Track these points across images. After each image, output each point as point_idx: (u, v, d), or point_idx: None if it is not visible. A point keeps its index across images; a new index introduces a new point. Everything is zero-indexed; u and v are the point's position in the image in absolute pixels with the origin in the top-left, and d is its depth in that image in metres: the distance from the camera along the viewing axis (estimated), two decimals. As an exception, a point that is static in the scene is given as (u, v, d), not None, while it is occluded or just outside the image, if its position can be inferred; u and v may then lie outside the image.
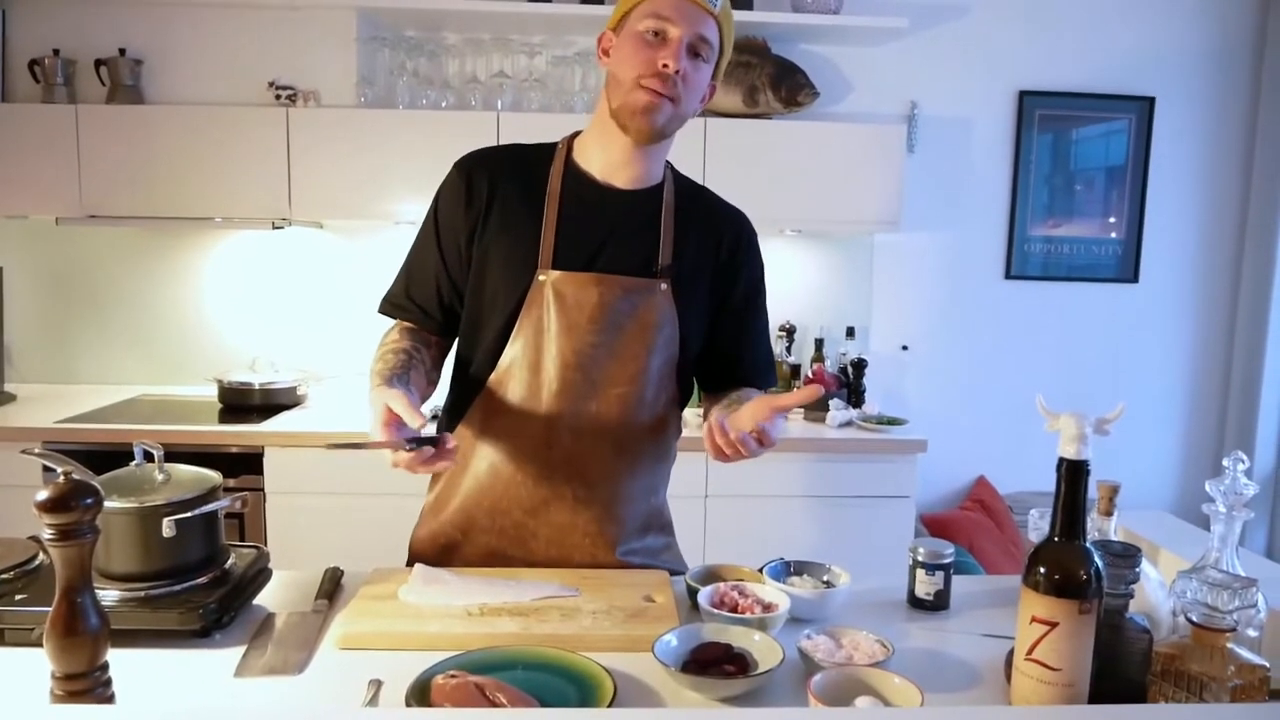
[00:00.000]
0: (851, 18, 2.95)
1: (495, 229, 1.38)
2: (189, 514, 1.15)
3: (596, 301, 1.34)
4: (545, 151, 1.43)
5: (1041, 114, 3.28)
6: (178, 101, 2.90)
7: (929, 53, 3.21)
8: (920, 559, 1.37)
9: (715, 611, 1.21)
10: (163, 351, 3.19)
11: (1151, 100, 3.29)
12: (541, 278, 1.35)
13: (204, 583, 1.19)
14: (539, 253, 1.35)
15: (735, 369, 1.50)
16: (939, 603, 1.36)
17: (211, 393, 2.94)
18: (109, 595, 1.14)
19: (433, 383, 1.46)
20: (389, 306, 1.50)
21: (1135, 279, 3.38)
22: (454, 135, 2.81)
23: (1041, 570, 0.95)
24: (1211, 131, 3.34)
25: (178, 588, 1.17)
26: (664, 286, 1.38)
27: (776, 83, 2.88)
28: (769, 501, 2.73)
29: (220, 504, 1.20)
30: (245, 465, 2.62)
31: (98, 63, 2.86)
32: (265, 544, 2.59)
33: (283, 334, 3.20)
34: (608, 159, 1.38)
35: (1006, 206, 3.32)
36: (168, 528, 1.15)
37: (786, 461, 2.72)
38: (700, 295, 1.42)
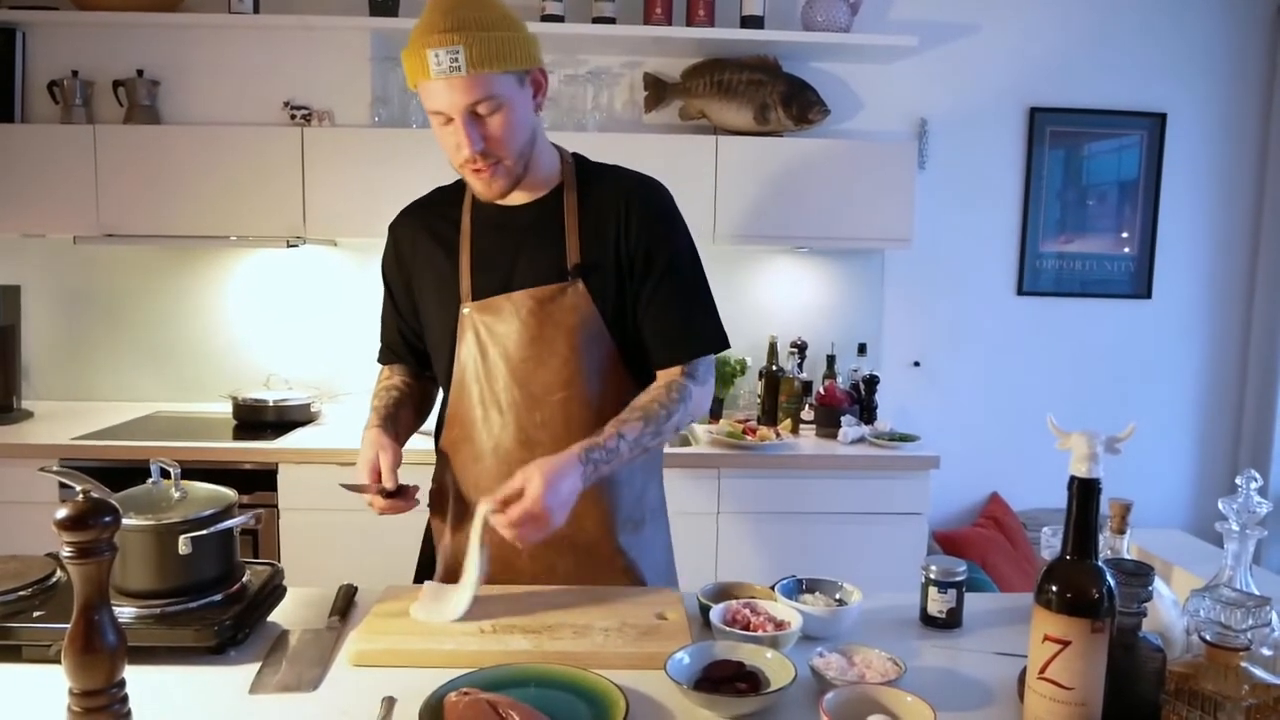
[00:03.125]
0: (862, 36, 2.96)
1: (423, 275, 1.50)
2: (205, 531, 1.17)
3: (513, 319, 1.41)
4: (457, 190, 1.50)
5: (1053, 130, 3.28)
6: (194, 121, 2.94)
7: (939, 70, 3.22)
8: (933, 577, 1.37)
9: (727, 629, 1.21)
10: (178, 369, 3.21)
11: (1163, 116, 3.29)
12: (465, 310, 1.44)
13: (219, 600, 1.21)
14: (459, 287, 1.44)
15: (647, 347, 1.46)
16: (951, 621, 1.36)
17: (226, 410, 2.96)
18: (125, 612, 1.15)
19: (423, 413, 1.62)
20: (382, 356, 1.64)
21: (1148, 295, 3.37)
22: (466, 154, 2.83)
23: (1054, 589, 0.95)
24: (1224, 148, 3.33)
25: (193, 605, 1.18)
26: (578, 286, 1.41)
27: (787, 100, 2.89)
28: (780, 518, 2.72)
29: (236, 521, 1.22)
30: (259, 482, 2.63)
31: (115, 83, 2.90)
32: (279, 560, 2.61)
33: (297, 351, 3.22)
34: None
35: (1018, 222, 3.32)
36: (184, 545, 1.16)
37: (798, 478, 2.71)
38: (611, 281, 1.43)
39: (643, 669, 1.15)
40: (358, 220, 2.86)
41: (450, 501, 1.55)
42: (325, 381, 3.17)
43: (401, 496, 1.43)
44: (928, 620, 1.37)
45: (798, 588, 1.38)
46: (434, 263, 1.48)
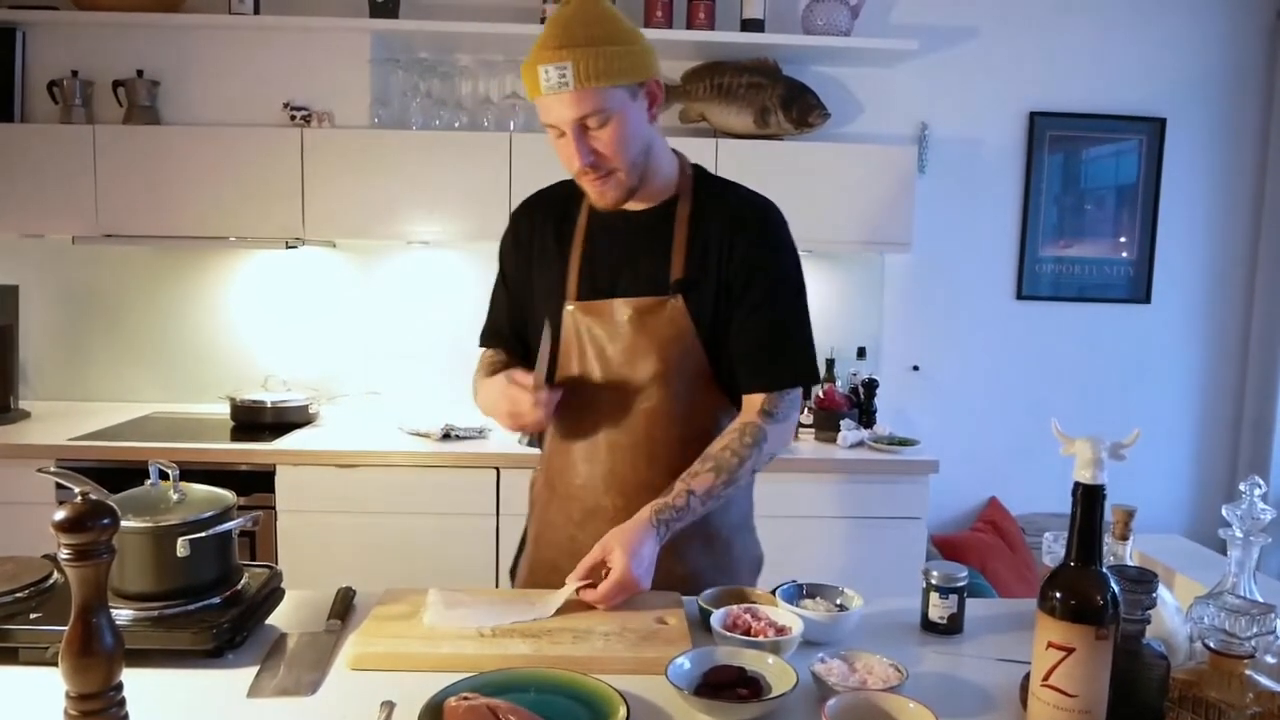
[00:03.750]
0: (862, 40, 2.96)
1: (536, 266, 1.53)
2: (203, 534, 1.16)
3: (612, 325, 1.43)
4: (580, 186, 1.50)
5: (1052, 135, 3.28)
6: (193, 122, 2.93)
7: (940, 74, 3.22)
8: (934, 582, 1.36)
9: (728, 634, 1.20)
10: (176, 370, 3.21)
11: (1163, 121, 3.29)
12: (569, 307, 1.46)
13: (217, 603, 1.20)
14: (565, 284, 1.47)
15: (733, 369, 1.46)
16: (953, 626, 1.35)
17: (224, 411, 2.95)
18: (123, 614, 1.14)
19: None
20: (483, 338, 1.65)
21: (1147, 300, 3.37)
22: (467, 156, 2.84)
23: (1057, 595, 0.94)
24: (1223, 152, 3.33)
25: (191, 607, 1.17)
26: (677, 301, 1.42)
27: (787, 104, 2.89)
28: (779, 522, 2.69)
29: (235, 524, 1.21)
30: (257, 483, 2.62)
31: (115, 84, 2.89)
32: (276, 562, 2.59)
33: (295, 353, 3.21)
34: None
35: (1017, 227, 3.32)
36: (182, 547, 1.15)
37: (797, 482, 2.71)
38: (709, 300, 1.43)
39: (643, 674, 1.14)
40: (357, 222, 2.86)
41: (539, 488, 1.60)
42: (323, 383, 3.15)
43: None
44: (929, 626, 1.36)
45: (798, 593, 1.38)
46: (547, 255, 1.51)
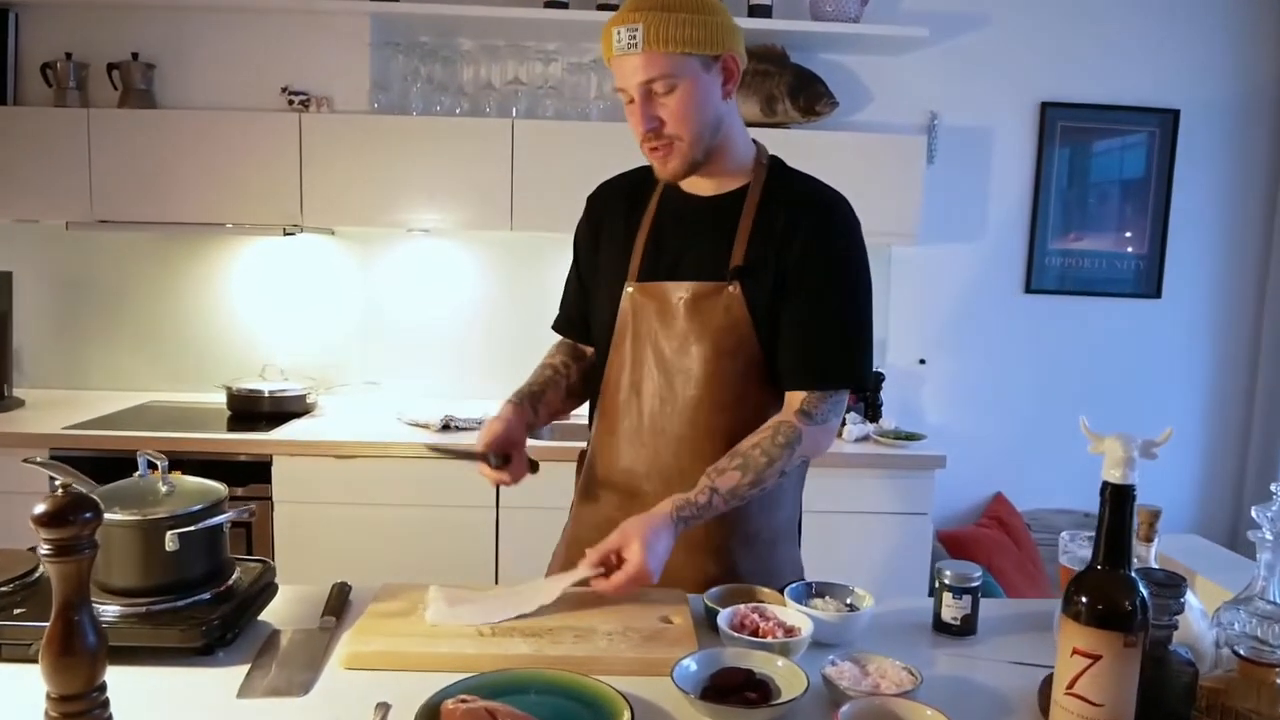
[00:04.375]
0: (872, 26, 2.91)
1: (604, 248, 1.53)
2: (193, 528, 1.12)
3: (668, 307, 1.41)
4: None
5: (1064, 126, 3.23)
6: (190, 106, 2.89)
7: (950, 63, 3.17)
8: (947, 582, 1.32)
9: (735, 635, 1.16)
10: (172, 358, 3.16)
11: (1176, 113, 3.24)
12: (629, 289, 1.45)
13: (207, 598, 1.16)
14: (628, 266, 1.46)
15: (777, 365, 1.41)
16: (966, 627, 1.32)
17: (220, 400, 2.91)
18: (109, 610, 1.11)
19: (576, 396, 1.61)
20: (556, 324, 1.65)
21: (1158, 294, 3.32)
22: (468, 142, 2.79)
23: (1084, 600, 0.90)
24: (1237, 145, 3.28)
25: (180, 604, 1.14)
26: (733, 289, 1.38)
27: (795, 92, 2.84)
28: (783, 517, 2.67)
29: (225, 517, 1.17)
30: (253, 474, 2.58)
31: (110, 66, 2.84)
32: (272, 555, 2.56)
33: (293, 341, 3.17)
34: None
35: (1027, 219, 3.27)
36: (171, 541, 1.11)
37: (802, 476, 2.66)
38: (767, 290, 1.38)
39: (647, 675, 1.11)
40: (356, 209, 2.81)
41: (586, 463, 1.57)
42: (322, 372, 3.12)
43: (509, 467, 1.43)
44: (941, 627, 1.33)
45: (807, 591, 1.34)
46: (615, 238, 1.50)
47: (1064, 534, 1.39)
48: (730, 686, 1.03)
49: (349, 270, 3.17)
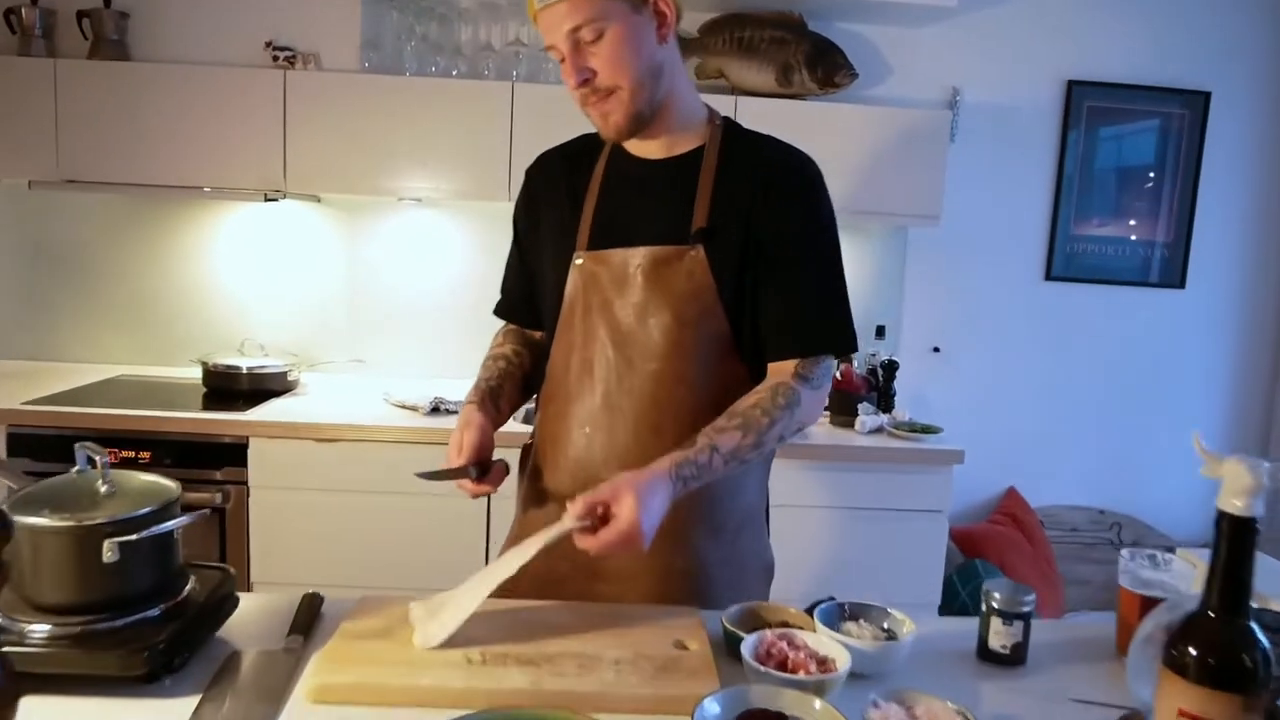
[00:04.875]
0: (896, -7, 2.73)
1: (547, 222, 1.43)
2: (134, 536, 0.96)
3: (624, 275, 1.31)
4: (599, 138, 1.39)
5: (1090, 106, 3.07)
6: (166, 60, 2.71)
7: (974, 36, 3.00)
8: (996, 606, 1.18)
9: (762, 669, 1.01)
10: (144, 330, 2.99)
11: (1207, 95, 3.08)
12: (578, 260, 1.35)
13: (154, 616, 1.01)
14: (577, 236, 1.36)
15: (762, 335, 1.33)
16: (1016, 656, 1.18)
17: (196, 375, 2.75)
18: (38, 631, 0.95)
19: (532, 386, 1.50)
20: (498, 308, 1.56)
21: (1181, 285, 3.18)
22: (465, 106, 2.61)
23: (1193, 652, 0.76)
24: (1270, 131, 3.13)
25: (120, 623, 0.98)
26: (698, 252, 1.29)
27: (813, 62, 2.67)
28: (792, 512, 2.53)
29: (175, 523, 1.01)
30: (229, 456, 2.42)
31: (80, 14, 2.66)
32: (247, 544, 2.40)
33: (274, 315, 3.00)
34: None
35: (1049, 203, 3.11)
36: (109, 551, 0.95)
37: (810, 469, 2.52)
38: (734, 255, 1.30)
39: (661, 714, 0.96)
40: (343, 174, 2.64)
41: (534, 458, 1.46)
42: (304, 348, 2.96)
43: (489, 477, 1.34)
44: (988, 655, 1.19)
45: (839, 614, 1.19)
46: (560, 210, 1.40)
47: (1124, 552, 1.26)
48: (760, 734, 0.89)
49: (334, 240, 2.99)
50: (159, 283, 2.98)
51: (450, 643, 1.06)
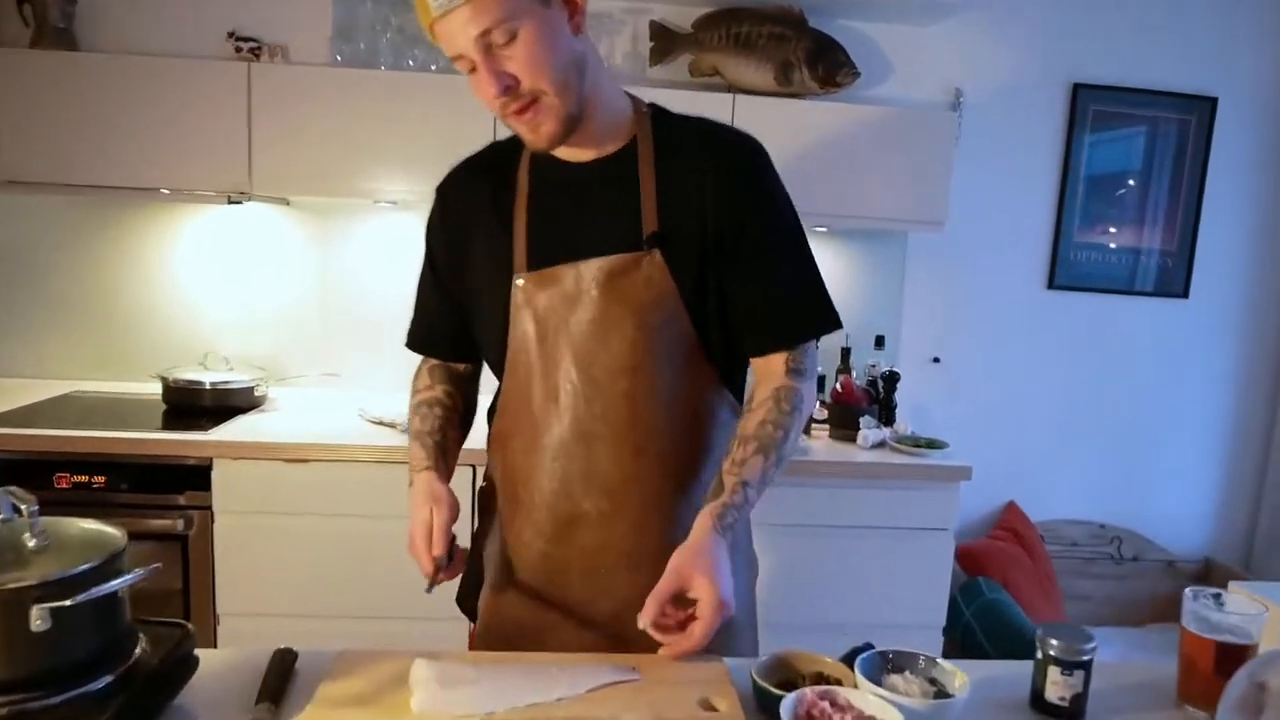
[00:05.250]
0: (899, -11, 2.63)
1: (472, 244, 1.31)
2: (68, 602, 0.80)
3: (576, 292, 1.22)
4: (516, 146, 1.30)
5: (1096, 110, 2.99)
6: (118, 50, 2.54)
7: (978, 36, 2.91)
8: (1053, 654, 1.07)
9: (811, 741, 0.88)
10: (99, 343, 2.81)
11: (1214, 101, 3.02)
12: (518, 281, 1.24)
13: (97, 690, 0.85)
14: (512, 257, 1.25)
15: (739, 332, 1.26)
16: (1075, 709, 1.07)
17: (156, 391, 2.57)
18: (-49, 714, 0.79)
19: (467, 427, 1.44)
20: (412, 340, 1.44)
21: (1185, 295, 3.11)
22: (444, 103, 2.47)
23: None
24: (1277, 138, 3.07)
25: (56, 699, 0.83)
26: (654, 257, 1.20)
27: (813, 59, 2.56)
28: (791, 531, 2.41)
29: (120, 583, 0.85)
30: (191, 479, 2.25)
31: (20, -1, 2.50)
32: (212, 576, 2.23)
33: (239, 326, 2.84)
34: None
35: (1053, 210, 3.03)
36: (38, 619, 0.79)
37: (811, 486, 2.40)
38: (693, 254, 1.22)
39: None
40: (313, 175, 2.48)
41: (500, 500, 1.35)
42: (272, 362, 2.80)
43: (453, 565, 1.26)
44: (1043, 707, 1.09)
45: (882, 664, 1.07)
46: (486, 230, 1.29)
47: (1187, 591, 1.15)
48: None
49: (304, 246, 2.84)
50: (114, 292, 2.80)
51: (459, 707, 0.92)
